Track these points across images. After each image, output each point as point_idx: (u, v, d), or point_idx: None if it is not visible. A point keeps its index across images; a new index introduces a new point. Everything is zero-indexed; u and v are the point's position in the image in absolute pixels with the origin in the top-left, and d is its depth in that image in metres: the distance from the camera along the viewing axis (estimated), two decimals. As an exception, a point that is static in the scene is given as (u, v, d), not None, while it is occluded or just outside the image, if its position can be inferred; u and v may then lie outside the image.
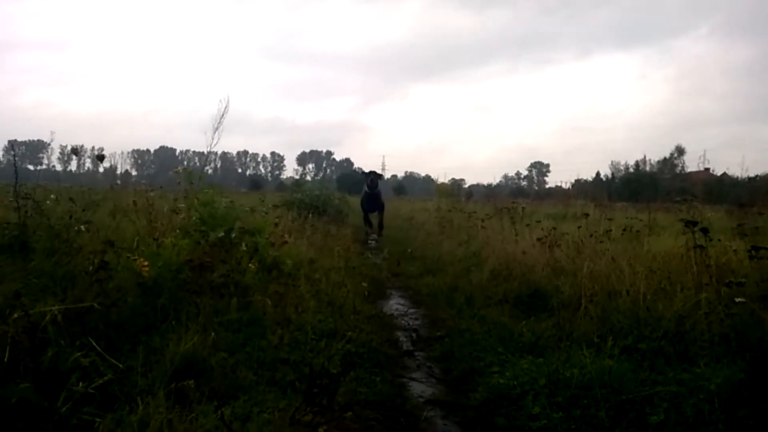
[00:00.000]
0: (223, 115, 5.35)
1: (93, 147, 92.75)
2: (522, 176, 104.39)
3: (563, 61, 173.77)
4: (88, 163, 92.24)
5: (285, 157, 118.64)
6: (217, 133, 5.39)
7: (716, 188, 33.39)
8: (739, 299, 3.44)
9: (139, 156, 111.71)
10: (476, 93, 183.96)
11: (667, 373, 3.38)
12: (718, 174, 44.37)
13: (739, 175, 39.04)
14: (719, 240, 5.03)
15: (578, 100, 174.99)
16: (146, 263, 4.02)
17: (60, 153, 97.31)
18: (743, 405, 2.74)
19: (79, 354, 2.75)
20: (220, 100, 5.48)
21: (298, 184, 28.95)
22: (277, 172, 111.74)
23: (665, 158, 58.64)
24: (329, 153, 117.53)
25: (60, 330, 3.00)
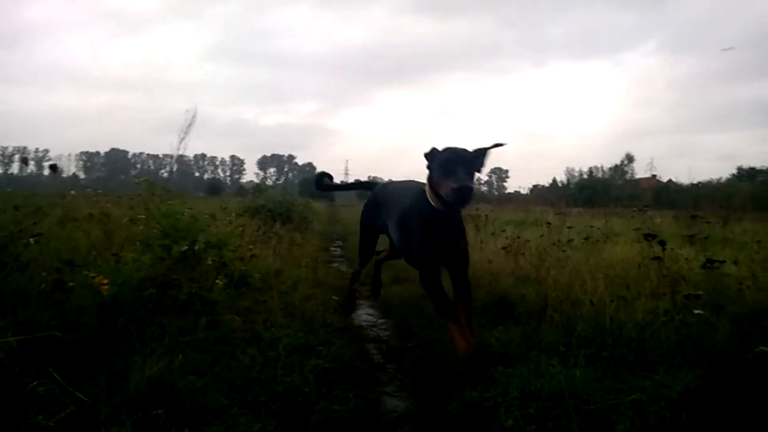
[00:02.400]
0: (190, 124, 5.21)
1: (38, 148, 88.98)
2: (482, 181, 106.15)
3: (521, 70, 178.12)
4: (32, 165, 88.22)
5: (245, 161, 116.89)
6: (183, 141, 5.23)
7: (663, 194, 34.78)
8: (698, 311, 3.57)
9: (89, 158, 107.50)
10: (439, 99, 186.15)
11: (630, 381, 3.47)
12: (665, 180, 46.34)
13: (683, 182, 40.93)
14: (672, 249, 5.23)
15: (535, 108, 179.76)
16: (105, 281, 3.85)
17: (1, 154, 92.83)
18: (703, 412, 2.84)
19: (35, 383, 2.61)
20: (187, 109, 5.33)
21: (259, 189, 28.52)
22: (237, 176, 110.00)
23: (616, 165, 60.88)
24: (291, 157, 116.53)
25: (14, 356, 2.84)
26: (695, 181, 38.77)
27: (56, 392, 2.55)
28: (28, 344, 2.96)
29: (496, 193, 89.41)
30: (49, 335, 2.96)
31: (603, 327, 4.28)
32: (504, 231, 9.32)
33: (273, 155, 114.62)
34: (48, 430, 2.21)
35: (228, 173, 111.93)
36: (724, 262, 4.06)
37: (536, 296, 5.43)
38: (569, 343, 4.19)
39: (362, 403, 3.78)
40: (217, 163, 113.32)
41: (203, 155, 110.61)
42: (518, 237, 7.97)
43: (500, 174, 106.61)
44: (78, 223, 6.28)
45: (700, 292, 3.81)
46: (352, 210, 36.53)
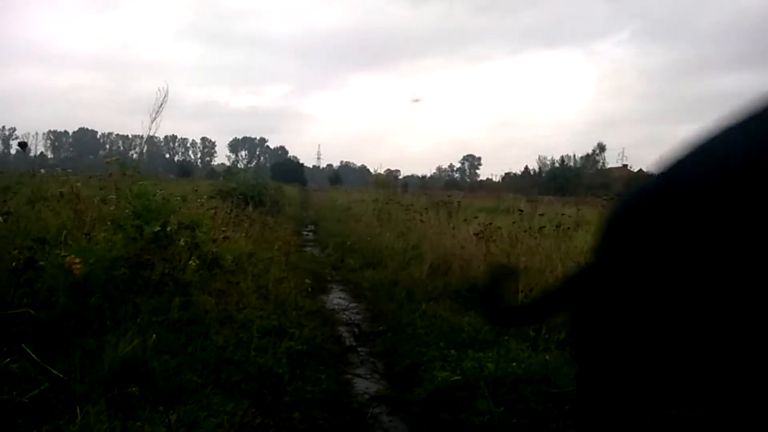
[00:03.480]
0: (161, 104, 5.10)
1: (4, 127, 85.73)
2: (455, 168, 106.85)
3: (495, 58, 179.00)
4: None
5: (216, 143, 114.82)
6: (154, 123, 5.13)
7: (635, 184, 35.59)
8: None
9: (56, 138, 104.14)
10: (412, 85, 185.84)
11: (598, 366, 3.61)
12: (636, 170, 47.35)
13: (654, 172, 41.88)
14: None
15: (508, 96, 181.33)
16: (77, 260, 3.79)
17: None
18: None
19: (7, 360, 2.57)
20: (159, 89, 5.22)
21: (231, 172, 28.20)
22: (208, 159, 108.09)
23: (588, 154, 61.95)
24: (263, 140, 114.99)
25: (-16, 334, 2.80)
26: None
27: (29, 370, 2.52)
28: (1, 322, 2.91)
29: (468, 180, 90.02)
30: (21, 312, 2.91)
31: (572, 313, 4.41)
32: (476, 218, 9.44)
33: (244, 138, 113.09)
34: (22, 406, 2.19)
35: (199, 155, 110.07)
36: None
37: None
38: (539, 329, 4.31)
39: (335, 385, 3.84)
40: (188, 144, 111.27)
41: (174, 136, 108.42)
42: (490, 224, 8.09)
43: (472, 161, 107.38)
44: (48, 202, 6.12)
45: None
46: (324, 195, 36.68)
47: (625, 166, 53.09)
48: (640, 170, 45.44)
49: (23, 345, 2.64)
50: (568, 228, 7.48)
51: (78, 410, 2.39)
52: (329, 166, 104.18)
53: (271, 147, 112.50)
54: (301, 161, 79.57)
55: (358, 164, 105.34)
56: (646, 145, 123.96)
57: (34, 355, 2.59)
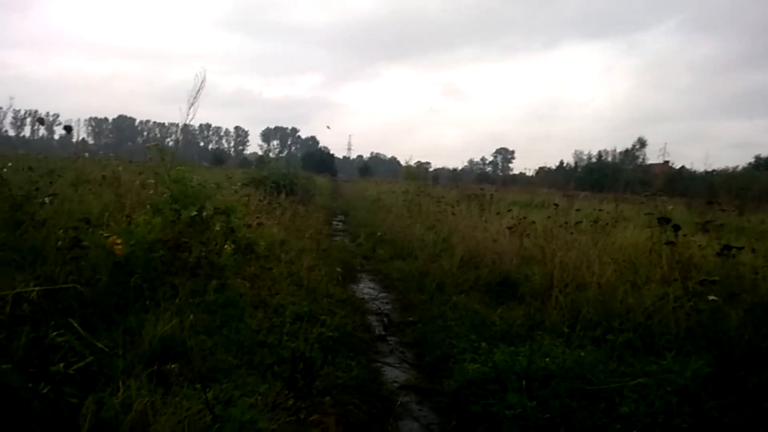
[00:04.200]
0: (199, 90, 5.19)
1: (48, 113, 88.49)
2: (487, 162, 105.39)
3: (532, 49, 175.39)
4: (43, 130, 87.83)
5: (249, 132, 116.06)
6: (192, 108, 5.22)
7: (676, 181, 34.50)
8: (712, 297, 3.58)
9: (97, 124, 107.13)
10: (445, 76, 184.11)
11: (635, 366, 3.51)
12: (677, 167, 45.85)
13: (697, 169, 40.49)
14: (684, 235, 5.24)
15: (545, 88, 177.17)
16: (119, 241, 3.90)
17: (14, 117, 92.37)
18: (710, 398, 2.88)
19: (55, 333, 2.66)
20: (196, 75, 5.30)
21: (263, 161, 28.52)
22: (241, 147, 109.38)
23: (627, 149, 60.19)
24: (295, 130, 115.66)
25: (35, 307, 2.90)
26: (710, 169, 38.34)
27: (75, 344, 2.61)
28: (49, 297, 3.02)
29: (501, 174, 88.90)
30: (68, 288, 3.02)
31: (610, 310, 4.31)
32: (509, 211, 9.33)
33: (276, 128, 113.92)
34: (67, 377, 2.27)
35: (232, 144, 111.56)
36: (742, 248, 4.04)
37: (541, 277, 5.47)
38: (574, 324, 4.23)
39: (365, 372, 3.86)
40: (222, 133, 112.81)
41: (208, 125, 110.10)
42: (524, 218, 7.98)
43: (505, 155, 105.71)
44: (90, 185, 6.33)
45: (716, 278, 3.81)
46: (354, 185, 36.73)
47: (667, 162, 51.34)
48: (683, 167, 44.02)
49: (70, 319, 2.73)
50: (606, 224, 7.32)
51: (120, 383, 2.47)
52: (359, 157, 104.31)
53: (303, 137, 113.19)
54: (331, 152, 79.83)
55: (389, 156, 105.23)
56: (689, 141, 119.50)
57: (80, 329, 2.67)
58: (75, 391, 2.16)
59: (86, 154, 8.83)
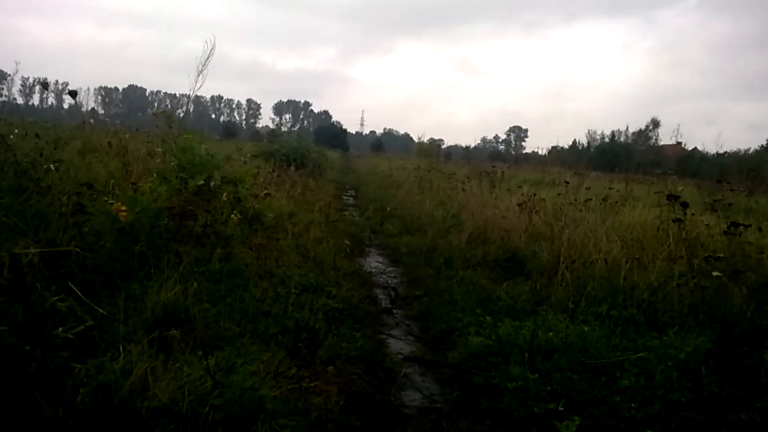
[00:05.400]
0: (208, 57, 5.11)
1: (57, 81, 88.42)
2: (500, 140, 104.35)
3: (549, 25, 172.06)
4: (52, 98, 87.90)
5: (261, 106, 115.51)
6: (201, 76, 5.15)
7: (688, 162, 34.04)
8: (716, 273, 3.54)
9: (107, 94, 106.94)
10: (461, 52, 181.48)
11: (637, 341, 3.50)
12: (690, 149, 45.07)
13: (709, 151, 39.81)
14: (692, 214, 5.15)
15: (561, 66, 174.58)
16: (124, 208, 3.91)
17: (22, 85, 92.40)
18: (710, 374, 2.86)
19: (56, 298, 2.67)
20: (206, 42, 5.21)
21: (275, 134, 28.47)
22: (253, 120, 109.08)
23: (640, 130, 59.17)
24: (307, 104, 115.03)
25: (35, 272, 2.91)
26: (722, 150, 37.71)
27: (76, 309, 2.62)
28: (50, 262, 3.02)
29: (513, 152, 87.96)
30: (69, 253, 3.02)
31: (615, 287, 4.28)
32: (520, 188, 9.24)
33: (289, 101, 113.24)
34: (67, 342, 2.28)
35: (243, 117, 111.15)
36: (749, 226, 3.98)
37: (548, 254, 5.42)
38: (579, 300, 4.22)
39: (369, 343, 3.86)
40: (233, 105, 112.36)
41: (220, 97, 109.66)
42: (534, 195, 7.90)
43: (519, 133, 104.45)
44: (97, 154, 6.32)
45: (721, 255, 3.76)
46: (365, 161, 36.60)
47: (680, 143, 50.45)
48: (695, 149, 43.27)
49: (71, 284, 2.73)
50: (616, 202, 7.22)
51: (121, 349, 2.48)
52: (372, 132, 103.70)
53: (315, 111, 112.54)
54: (344, 127, 79.42)
55: (401, 132, 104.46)
56: (702, 122, 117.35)
57: (81, 295, 2.68)
58: (74, 355, 2.16)
59: (91, 121, 8.78)
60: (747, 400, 2.66)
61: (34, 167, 4.68)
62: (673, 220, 4.22)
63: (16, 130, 6.25)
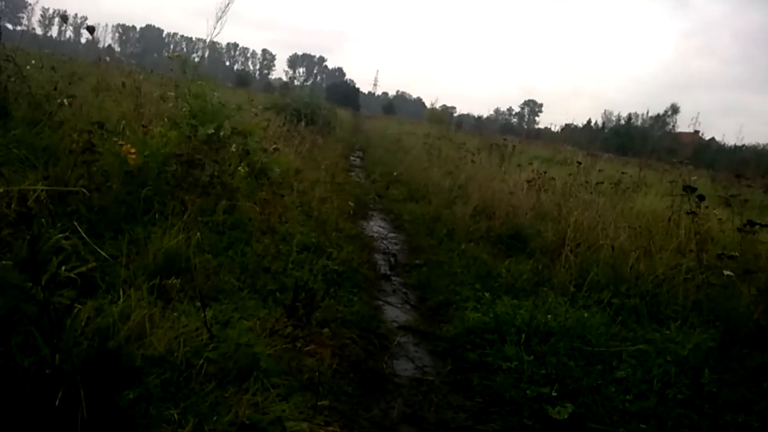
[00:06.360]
0: (228, 3, 4.97)
1: (76, 15, 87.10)
2: (514, 113, 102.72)
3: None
4: (70, 32, 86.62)
5: (276, 57, 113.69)
6: (219, 22, 5.03)
7: (703, 152, 33.57)
8: (728, 272, 3.49)
9: (124, 32, 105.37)
10: (482, 18, 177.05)
11: (637, 332, 3.49)
12: (707, 138, 44.37)
13: (727, 143, 39.13)
14: (706, 207, 5.08)
15: (583, 43, 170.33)
16: (133, 150, 3.86)
17: (41, 16, 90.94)
18: (710, 373, 2.85)
19: (60, 236, 2.65)
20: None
21: (287, 87, 28.12)
22: (266, 72, 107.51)
23: (658, 114, 58.10)
24: (322, 59, 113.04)
25: (42, 208, 2.90)
26: (741, 143, 36.96)
27: (80, 248, 2.60)
28: (57, 199, 3.00)
29: (526, 126, 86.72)
30: (77, 192, 3.00)
31: (619, 275, 4.25)
32: (530, 164, 9.14)
33: (304, 54, 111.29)
34: (69, 281, 2.27)
35: (258, 67, 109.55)
36: (766, 226, 3.90)
37: (554, 234, 5.38)
38: (581, 285, 4.17)
39: (366, 308, 3.86)
40: (248, 54, 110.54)
41: (235, 44, 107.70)
42: (544, 173, 7.81)
43: (533, 107, 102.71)
44: (110, 93, 6.24)
45: (734, 253, 3.70)
46: (376, 122, 36.24)
47: (697, 132, 49.56)
48: (712, 138, 42.55)
49: (75, 223, 2.71)
50: (627, 188, 7.14)
51: (121, 292, 2.48)
52: (384, 94, 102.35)
53: (330, 67, 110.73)
54: (357, 86, 78.32)
55: (414, 96, 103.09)
56: (723, 112, 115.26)
57: (85, 235, 2.66)
58: (74, 295, 2.15)
59: (107, 58, 8.65)
60: (745, 403, 2.65)
61: (48, 101, 4.63)
62: (687, 213, 4.16)
63: (33, 61, 6.16)
